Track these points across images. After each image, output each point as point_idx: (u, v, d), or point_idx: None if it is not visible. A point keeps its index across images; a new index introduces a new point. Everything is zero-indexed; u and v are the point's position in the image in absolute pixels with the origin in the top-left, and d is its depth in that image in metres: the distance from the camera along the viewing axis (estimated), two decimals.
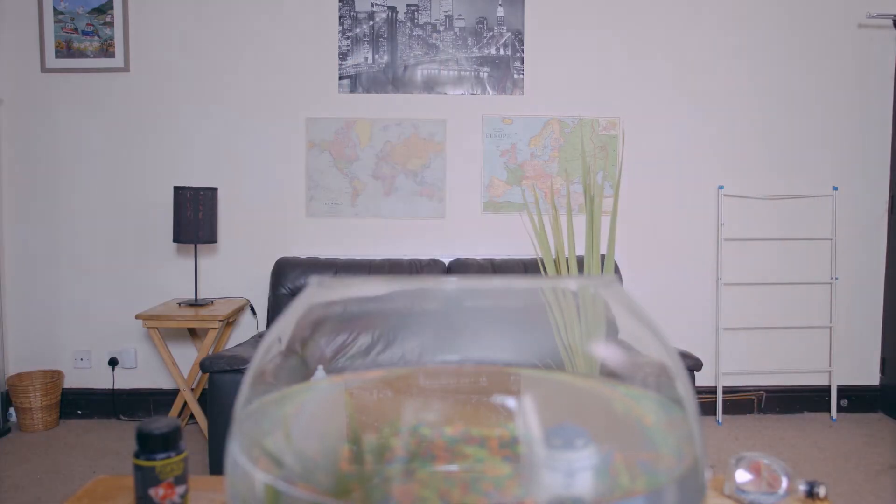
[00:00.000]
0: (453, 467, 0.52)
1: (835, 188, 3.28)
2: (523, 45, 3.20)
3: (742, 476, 0.83)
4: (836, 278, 3.30)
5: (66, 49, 3.11)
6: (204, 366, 2.33)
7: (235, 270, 3.22)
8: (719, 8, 3.22)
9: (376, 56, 3.19)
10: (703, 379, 3.29)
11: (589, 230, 1.80)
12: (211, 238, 2.96)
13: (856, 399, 3.35)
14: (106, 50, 3.12)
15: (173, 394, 3.12)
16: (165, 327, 2.88)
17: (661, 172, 3.27)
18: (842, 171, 3.30)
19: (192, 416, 3.04)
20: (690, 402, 0.54)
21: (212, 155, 3.19)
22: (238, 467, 0.52)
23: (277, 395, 0.57)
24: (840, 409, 3.32)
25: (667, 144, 3.26)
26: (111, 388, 3.20)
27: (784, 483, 0.82)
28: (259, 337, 3.02)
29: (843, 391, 3.33)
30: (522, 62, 3.21)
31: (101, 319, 3.21)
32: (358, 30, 3.18)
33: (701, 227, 3.29)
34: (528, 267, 3.05)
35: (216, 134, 3.19)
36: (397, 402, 0.63)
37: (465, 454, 0.53)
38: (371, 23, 3.18)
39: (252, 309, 3.23)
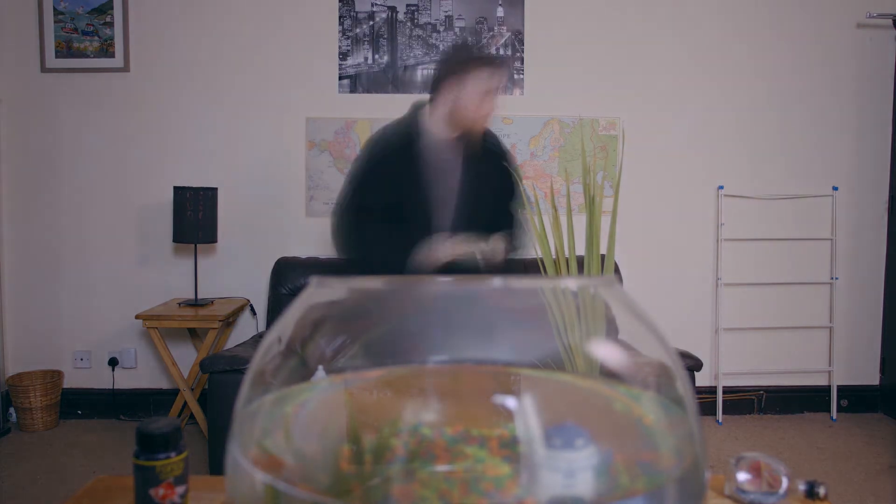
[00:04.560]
0: (453, 467, 0.52)
1: (835, 188, 3.28)
2: (523, 45, 3.20)
3: (742, 476, 0.83)
4: (836, 278, 3.30)
5: (66, 49, 3.11)
6: (204, 366, 2.33)
7: (235, 270, 3.22)
8: (719, 8, 3.22)
9: (376, 56, 3.19)
10: (703, 379, 3.29)
11: (589, 230, 1.80)
12: (211, 238, 2.96)
13: (856, 399, 3.35)
14: (106, 50, 3.12)
15: (173, 394, 3.12)
16: (165, 327, 2.88)
17: (661, 172, 3.27)
18: (842, 171, 3.30)
19: (192, 416, 3.04)
20: (690, 402, 0.54)
21: (212, 155, 3.19)
22: (238, 467, 0.52)
23: (277, 395, 0.57)
24: (840, 409, 3.32)
25: (667, 144, 3.26)
26: (111, 388, 3.20)
27: (784, 483, 0.82)
28: (259, 337, 3.02)
29: (843, 391, 3.33)
30: (522, 62, 3.21)
31: (101, 319, 3.20)
32: (358, 30, 3.18)
33: (701, 227, 3.29)
34: (528, 267, 3.05)
35: (216, 134, 3.19)
36: (397, 402, 0.63)
37: (465, 454, 0.53)
38: (371, 23, 3.18)
39: (252, 309, 3.23)
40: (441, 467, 0.51)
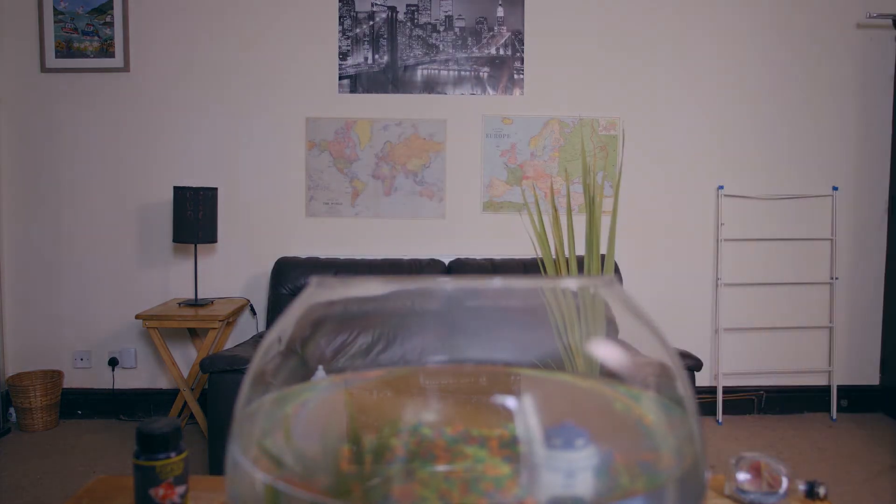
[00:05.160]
0: (453, 467, 0.52)
1: (835, 188, 3.28)
2: (523, 45, 3.20)
3: (742, 476, 0.83)
4: (836, 278, 3.30)
5: (66, 49, 3.11)
6: (204, 366, 2.33)
7: (235, 270, 3.22)
8: (719, 8, 3.22)
9: (376, 56, 3.19)
10: (703, 379, 3.29)
11: (589, 230, 1.80)
12: (211, 238, 2.96)
13: (856, 399, 3.35)
14: (106, 50, 3.12)
15: (173, 394, 3.12)
16: (165, 327, 2.87)
17: (661, 172, 3.27)
18: (842, 171, 3.30)
19: (192, 416, 3.04)
20: (690, 402, 0.54)
21: (212, 155, 3.19)
22: (238, 467, 0.52)
23: (277, 395, 0.57)
24: (840, 409, 3.32)
25: (667, 144, 3.26)
26: (111, 388, 3.20)
27: (784, 483, 0.82)
28: (259, 337, 3.02)
29: (843, 391, 3.33)
30: (522, 62, 3.21)
31: (101, 319, 3.20)
32: (358, 30, 3.18)
33: (701, 227, 3.29)
34: (528, 267, 3.05)
35: (216, 134, 3.19)
36: (397, 402, 0.63)
37: (465, 454, 0.53)
38: (371, 23, 3.18)
39: (252, 309, 3.23)
40: (441, 467, 0.51)
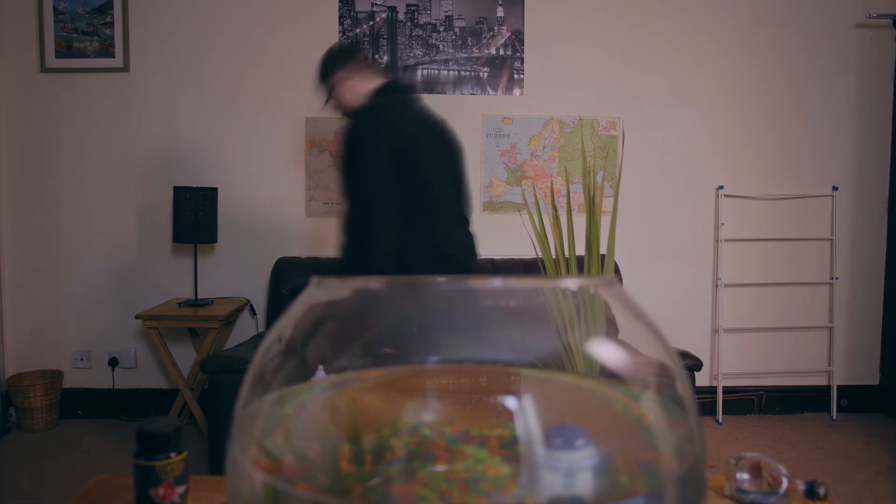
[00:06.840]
0: (453, 467, 0.52)
1: (835, 188, 3.28)
2: (523, 45, 3.20)
3: (742, 476, 0.83)
4: (836, 278, 3.30)
5: (66, 49, 3.11)
6: (204, 366, 2.32)
7: (235, 270, 3.22)
8: (719, 8, 3.22)
9: (376, 56, 3.19)
10: (703, 379, 3.29)
11: (589, 230, 1.80)
12: (210, 238, 2.95)
13: (856, 399, 3.35)
14: (106, 50, 3.12)
15: (173, 394, 3.12)
16: (165, 327, 2.87)
17: (660, 172, 3.27)
18: (842, 171, 3.30)
19: (192, 416, 3.04)
20: (690, 402, 0.54)
21: (212, 155, 3.19)
22: (238, 467, 0.52)
23: (277, 395, 0.57)
24: (840, 409, 3.32)
25: (667, 144, 3.26)
26: (111, 388, 3.20)
27: (784, 483, 0.82)
28: (259, 337, 3.02)
29: (843, 391, 3.33)
30: (522, 62, 3.21)
31: (101, 319, 3.20)
32: (358, 30, 3.18)
33: (700, 228, 3.29)
34: (528, 267, 3.05)
35: (216, 134, 3.19)
36: (397, 402, 0.63)
37: (465, 454, 0.53)
38: (371, 23, 3.18)
39: (252, 309, 3.22)
40: (441, 467, 0.51)
